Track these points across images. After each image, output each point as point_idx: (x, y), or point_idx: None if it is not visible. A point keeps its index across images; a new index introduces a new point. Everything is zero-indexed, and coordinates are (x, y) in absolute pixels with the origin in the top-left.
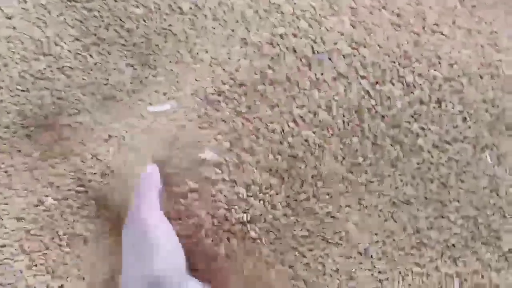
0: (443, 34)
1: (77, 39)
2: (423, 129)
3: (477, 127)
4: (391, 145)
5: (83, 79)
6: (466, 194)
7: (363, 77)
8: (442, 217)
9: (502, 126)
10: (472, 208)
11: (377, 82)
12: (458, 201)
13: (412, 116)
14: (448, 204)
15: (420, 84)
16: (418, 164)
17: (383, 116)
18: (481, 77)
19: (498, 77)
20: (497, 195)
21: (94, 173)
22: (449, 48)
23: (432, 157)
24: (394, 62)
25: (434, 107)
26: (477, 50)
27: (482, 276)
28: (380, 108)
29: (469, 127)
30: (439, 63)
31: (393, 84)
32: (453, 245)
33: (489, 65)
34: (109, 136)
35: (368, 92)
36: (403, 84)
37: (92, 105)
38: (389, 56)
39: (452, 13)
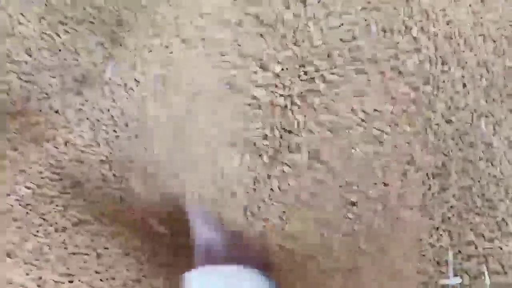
0: None
1: (43, 18)
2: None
3: (475, 93)
4: None
5: (51, 60)
6: (464, 163)
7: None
8: (443, 189)
9: (496, 93)
10: (468, 178)
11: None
12: (456, 173)
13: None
14: (448, 177)
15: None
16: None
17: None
18: (475, 38)
19: (489, 38)
20: (492, 164)
21: (69, 160)
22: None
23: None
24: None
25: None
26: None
27: (476, 247)
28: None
29: (468, 93)
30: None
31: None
32: (449, 218)
33: (481, 25)
34: (80, 120)
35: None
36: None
37: (62, 88)
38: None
39: None
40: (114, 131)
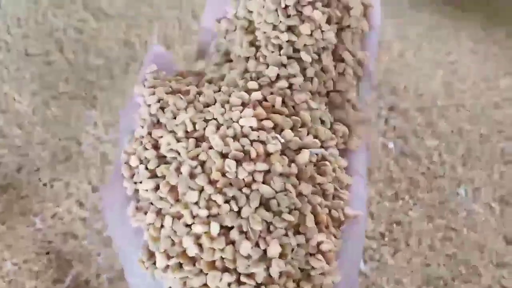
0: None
1: (36, 94)
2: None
3: (452, 161)
4: None
5: (43, 134)
6: (447, 231)
7: None
8: (427, 265)
9: (473, 160)
10: (452, 246)
11: None
12: (440, 240)
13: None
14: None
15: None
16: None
17: None
18: (448, 109)
19: (463, 107)
20: (474, 231)
21: (55, 234)
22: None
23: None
24: None
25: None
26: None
27: None
28: None
29: (445, 162)
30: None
31: None
32: (436, 286)
33: (454, 96)
34: (69, 194)
35: None
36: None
37: (52, 161)
38: None
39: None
40: None
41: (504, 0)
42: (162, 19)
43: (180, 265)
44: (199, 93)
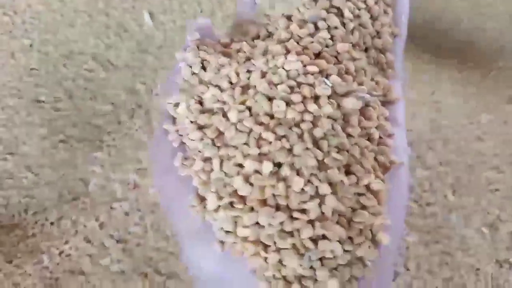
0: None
1: (45, 138)
2: None
3: (442, 190)
4: None
5: (51, 176)
6: (442, 256)
7: None
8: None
9: (462, 188)
10: (448, 270)
11: None
12: (437, 265)
13: None
14: (431, 272)
15: None
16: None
17: None
18: (435, 143)
19: (449, 141)
20: (469, 255)
21: (63, 271)
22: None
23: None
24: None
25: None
26: (426, 118)
27: None
28: None
29: (436, 191)
30: None
31: None
32: None
33: (439, 130)
34: (76, 231)
35: None
36: None
37: (59, 201)
38: None
39: None
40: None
41: (474, 47)
42: (166, 68)
43: (231, 205)
44: (240, 51)
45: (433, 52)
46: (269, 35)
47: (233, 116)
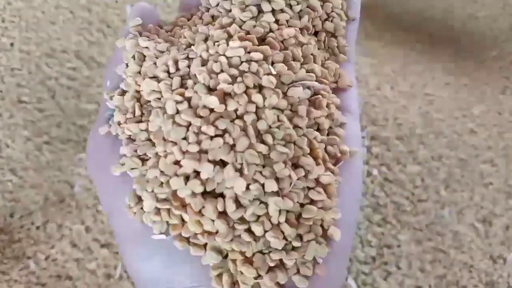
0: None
1: (29, 139)
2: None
3: (434, 186)
4: None
5: (36, 178)
6: (435, 253)
7: None
8: (419, 287)
9: (454, 183)
10: (441, 267)
11: None
12: (430, 262)
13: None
14: (424, 270)
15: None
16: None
17: None
18: (427, 137)
19: (441, 135)
20: (462, 251)
21: (49, 276)
22: (393, 110)
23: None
24: None
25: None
26: (418, 111)
27: None
28: None
29: (428, 186)
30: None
31: None
32: None
33: (432, 124)
34: (62, 235)
35: None
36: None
37: (45, 204)
38: None
39: (390, 79)
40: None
41: (467, 36)
42: None
43: (168, 209)
44: (181, 36)
45: (426, 41)
46: (213, 19)
47: (170, 108)
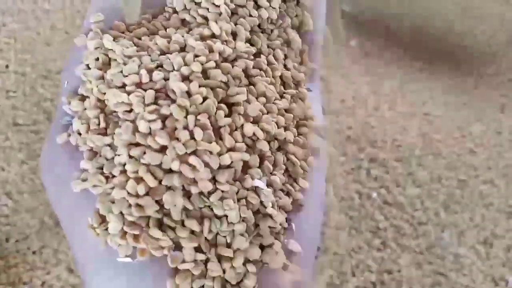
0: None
1: (24, 162)
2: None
3: (434, 208)
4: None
5: (31, 202)
6: (436, 276)
7: None
8: None
9: (454, 205)
10: None
11: None
12: (430, 286)
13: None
14: None
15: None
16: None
17: None
18: (426, 158)
19: (440, 156)
20: (463, 274)
21: None
22: (392, 131)
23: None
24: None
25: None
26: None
27: None
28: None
29: (428, 209)
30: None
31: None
32: None
33: (431, 145)
34: (58, 260)
35: None
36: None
37: (40, 228)
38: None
39: (389, 98)
40: None
41: (465, 52)
42: None
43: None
44: (150, 36)
45: (424, 58)
46: (182, 23)
47: (142, 127)
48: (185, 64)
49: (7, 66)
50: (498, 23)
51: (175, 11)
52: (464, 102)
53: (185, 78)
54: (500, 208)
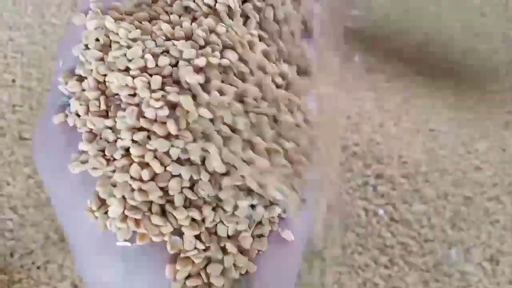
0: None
1: (30, 177)
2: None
3: (441, 225)
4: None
5: (36, 216)
6: None
7: None
8: None
9: (460, 222)
10: None
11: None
12: None
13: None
14: None
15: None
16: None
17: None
18: (432, 174)
19: (446, 172)
20: None
21: None
22: (397, 147)
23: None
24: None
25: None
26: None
27: None
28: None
29: (434, 226)
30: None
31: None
32: None
33: (436, 161)
34: (63, 276)
35: None
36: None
37: (45, 243)
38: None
39: (394, 115)
40: None
41: (467, 69)
42: None
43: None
44: (152, 21)
45: (427, 74)
46: (186, 9)
47: (149, 113)
48: (199, 56)
49: (13, 81)
50: (500, 41)
51: None
52: (468, 119)
53: (198, 70)
54: (506, 225)
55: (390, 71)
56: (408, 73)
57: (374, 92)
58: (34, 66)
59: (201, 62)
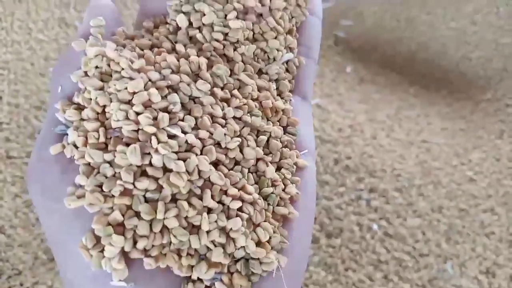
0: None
1: (18, 196)
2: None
3: (435, 239)
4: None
5: (24, 236)
6: None
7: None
8: None
9: (455, 235)
10: None
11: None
12: None
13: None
14: None
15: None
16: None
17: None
18: (426, 187)
19: (440, 184)
20: None
21: None
22: (390, 160)
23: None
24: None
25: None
26: (415, 160)
27: None
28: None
29: (429, 240)
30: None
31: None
32: None
33: (430, 174)
34: None
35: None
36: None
37: (34, 263)
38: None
39: (386, 126)
40: None
41: (460, 77)
42: None
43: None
44: (157, 54)
45: (420, 83)
46: (190, 40)
47: (156, 160)
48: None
49: (0, 98)
50: (492, 49)
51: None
52: (461, 128)
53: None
54: (501, 237)
55: (382, 82)
56: (401, 83)
57: (366, 104)
58: (21, 82)
59: (209, 101)
